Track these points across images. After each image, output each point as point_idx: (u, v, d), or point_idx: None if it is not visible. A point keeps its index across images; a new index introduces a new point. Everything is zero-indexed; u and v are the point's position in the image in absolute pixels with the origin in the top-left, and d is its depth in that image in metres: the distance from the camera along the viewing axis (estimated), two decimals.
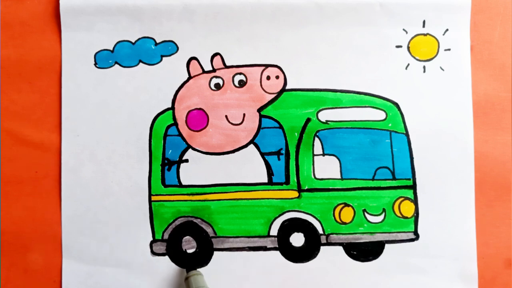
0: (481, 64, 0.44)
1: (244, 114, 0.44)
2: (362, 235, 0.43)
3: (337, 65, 0.44)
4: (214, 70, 0.44)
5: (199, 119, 0.44)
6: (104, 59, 0.44)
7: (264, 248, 0.43)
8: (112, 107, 0.44)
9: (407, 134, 0.44)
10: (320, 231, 0.43)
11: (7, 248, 0.44)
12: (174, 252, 0.43)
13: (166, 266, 0.43)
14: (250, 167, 0.43)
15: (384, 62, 0.44)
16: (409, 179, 0.43)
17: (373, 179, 0.43)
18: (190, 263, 0.43)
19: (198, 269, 0.42)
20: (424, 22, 0.44)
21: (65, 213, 0.44)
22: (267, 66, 0.44)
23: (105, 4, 0.44)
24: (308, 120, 0.44)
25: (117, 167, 0.44)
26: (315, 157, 0.43)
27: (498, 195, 0.44)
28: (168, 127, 0.44)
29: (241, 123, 0.44)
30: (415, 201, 0.43)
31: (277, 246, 0.43)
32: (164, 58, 0.44)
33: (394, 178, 0.43)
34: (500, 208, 0.44)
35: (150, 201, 0.44)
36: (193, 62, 0.44)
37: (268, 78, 0.44)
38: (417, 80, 0.44)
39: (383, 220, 0.43)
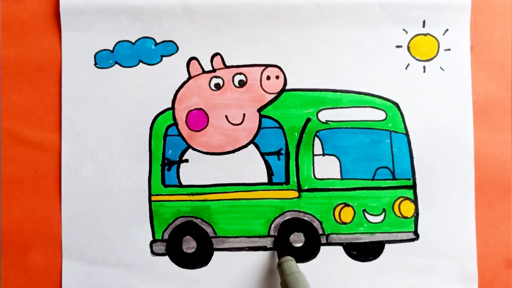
0: (481, 64, 0.44)
1: (244, 114, 0.44)
2: (362, 235, 0.43)
3: (337, 65, 0.44)
4: (214, 70, 0.44)
5: (199, 119, 0.44)
6: (104, 59, 0.44)
7: (264, 248, 0.43)
8: (112, 107, 0.44)
9: (407, 134, 0.44)
10: (320, 231, 0.43)
11: (7, 248, 0.44)
12: (174, 252, 0.44)
13: (166, 266, 0.43)
14: (250, 167, 0.43)
15: (384, 62, 0.44)
16: (409, 179, 0.43)
17: (373, 179, 0.43)
18: (281, 249, 0.43)
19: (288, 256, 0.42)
20: (424, 22, 0.44)
21: (65, 213, 0.44)
22: (267, 66, 0.44)
23: (105, 4, 0.44)
24: (308, 120, 0.44)
25: (117, 167, 0.44)
26: (315, 157, 0.43)
27: (498, 195, 0.44)
28: (168, 127, 0.44)
29: (241, 123, 0.44)
30: (415, 201, 0.43)
31: (275, 245, 0.43)
32: (164, 58, 0.44)
33: (394, 178, 0.43)
34: (500, 208, 0.44)
35: (150, 201, 0.44)
36: (193, 62, 0.44)
37: (268, 78, 0.44)
38: (417, 80, 0.44)
39: (383, 220, 0.43)
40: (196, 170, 0.44)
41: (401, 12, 0.44)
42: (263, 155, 0.44)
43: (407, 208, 0.43)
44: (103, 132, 0.44)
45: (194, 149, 0.44)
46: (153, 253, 0.43)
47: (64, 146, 0.44)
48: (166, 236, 0.43)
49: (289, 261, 0.41)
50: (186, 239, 0.44)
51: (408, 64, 0.44)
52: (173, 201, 0.44)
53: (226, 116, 0.44)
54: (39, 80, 0.44)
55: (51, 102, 0.44)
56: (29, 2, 0.45)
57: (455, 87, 0.44)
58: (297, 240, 0.43)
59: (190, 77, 0.44)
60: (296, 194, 0.43)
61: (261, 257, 0.43)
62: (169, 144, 0.44)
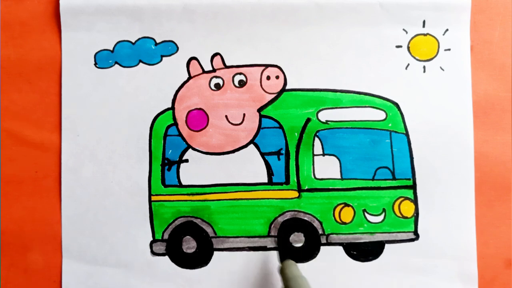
0: (481, 64, 0.44)
1: (244, 114, 0.44)
2: (362, 235, 0.43)
3: (337, 65, 0.44)
4: (214, 70, 0.44)
5: (199, 119, 0.44)
6: (104, 59, 0.44)
7: (264, 248, 0.43)
8: (112, 107, 0.44)
9: (407, 134, 0.44)
10: (320, 231, 0.43)
11: (7, 248, 0.44)
12: (174, 252, 0.44)
13: (166, 266, 0.43)
14: (250, 167, 0.43)
15: (384, 62, 0.44)
16: (409, 179, 0.43)
17: (373, 179, 0.43)
18: (283, 251, 0.43)
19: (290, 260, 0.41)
20: (424, 22, 0.44)
21: (65, 213, 0.44)
22: (267, 66, 0.44)
23: (105, 4, 0.44)
24: (308, 120, 0.44)
25: (117, 167, 0.44)
26: (315, 157, 0.43)
27: (498, 195, 0.44)
28: (168, 127, 0.44)
29: (241, 123, 0.44)
30: (415, 201, 0.43)
31: (277, 246, 0.43)
32: (164, 58, 0.44)
33: (394, 178, 0.43)
34: (500, 208, 0.44)
35: (150, 201, 0.44)
36: (193, 62, 0.44)
37: (268, 78, 0.44)
38: (417, 80, 0.44)
39: (383, 220, 0.43)
40: (196, 170, 0.44)
41: (401, 12, 0.44)
42: (263, 155, 0.44)
43: (407, 208, 0.43)
44: (103, 132, 0.44)
45: (194, 149, 0.44)
46: (153, 253, 0.43)
47: (64, 146, 0.44)
48: (166, 236, 0.44)
49: (291, 266, 0.40)
50: (186, 239, 0.44)
51: (408, 64, 0.44)
52: (173, 201, 0.44)
53: (226, 116, 0.44)
54: (39, 80, 0.44)
55: (51, 102, 0.44)
56: (29, 2, 0.45)
57: (455, 87, 0.44)
58: (297, 240, 0.43)
59: (190, 77, 0.44)
60: (296, 194, 0.43)
61: (261, 257, 0.43)
62: (169, 144, 0.44)
